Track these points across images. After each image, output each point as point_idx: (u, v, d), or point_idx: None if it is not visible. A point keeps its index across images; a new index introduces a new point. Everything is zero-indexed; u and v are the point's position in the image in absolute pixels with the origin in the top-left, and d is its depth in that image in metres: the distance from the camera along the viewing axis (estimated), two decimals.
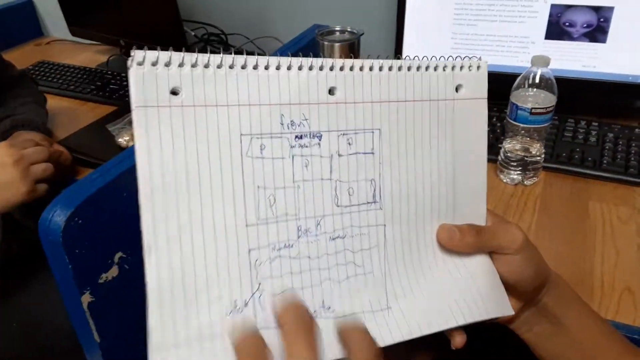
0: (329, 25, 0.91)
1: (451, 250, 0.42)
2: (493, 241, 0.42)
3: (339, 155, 0.38)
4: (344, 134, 0.38)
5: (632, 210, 0.71)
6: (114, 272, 0.58)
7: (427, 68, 0.41)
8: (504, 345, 0.65)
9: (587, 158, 0.80)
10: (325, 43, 0.88)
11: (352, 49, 0.89)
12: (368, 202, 0.39)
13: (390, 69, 0.40)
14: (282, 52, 0.88)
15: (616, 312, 0.55)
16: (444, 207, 0.43)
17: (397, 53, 0.99)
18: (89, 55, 1.41)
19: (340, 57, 0.90)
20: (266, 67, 0.36)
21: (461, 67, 0.42)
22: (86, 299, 0.55)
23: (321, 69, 0.37)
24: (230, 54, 0.35)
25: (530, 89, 0.72)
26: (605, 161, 0.79)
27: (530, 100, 0.72)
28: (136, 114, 0.32)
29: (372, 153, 0.40)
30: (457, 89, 0.42)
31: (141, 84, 0.32)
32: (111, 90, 1.15)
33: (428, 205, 0.42)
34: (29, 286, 0.89)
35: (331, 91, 0.38)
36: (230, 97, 0.35)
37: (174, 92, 0.33)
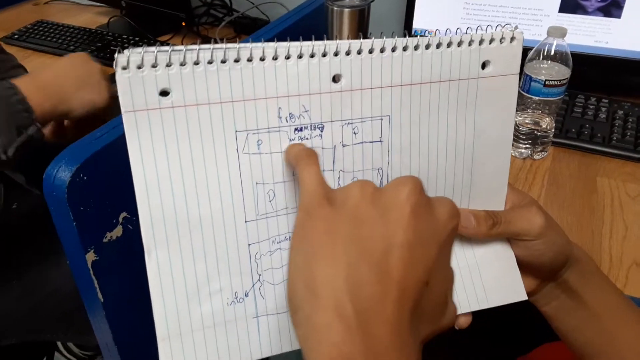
0: None
1: (463, 236, 0.40)
2: (510, 228, 0.39)
3: (343, 145, 0.36)
4: (349, 123, 0.36)
5: None
6: (118, 232, 0.57)
7: (449, 44, 0.36)
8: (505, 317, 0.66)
9: (596, 134, 0.79)
10: (335, 9, 0.86)
11: (361, 16, 0.87)
12: None
13: (405, 49, 0.35)
14: (287, 18, 0.85)
15: (624, 286, 0.55)
16: (459, 190, 0.40)
17: (408, 22, 0.97)
18: (88, 16, 1.38)
19: (349, 24, 0.88)
20: (262, 59, 0.33)
21: (491, 40, 0.37)
22: (90, 257, 0.54)
23: (324, 55, 0.34)
24: (234, 41, 0.32)
25: (544, 61, 0.71)
26: (614, 138, 0.78)
27: (544, 72, 0.70)
28: (126, 119, 0.31)
29: (380, 141, 0.37)
30: (483, 66, 0.38)
31: (128, 88, 0.31)
32: (112, 52, 1.12)
33: (441, 190, 0.40)
34: (31, 247, 0.88)
35: (335, 79, 0.35)
36: (223, 94, 0.33)
37: (164, 93, 0.32)
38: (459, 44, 0.37)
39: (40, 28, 1.24)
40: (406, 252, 0.29)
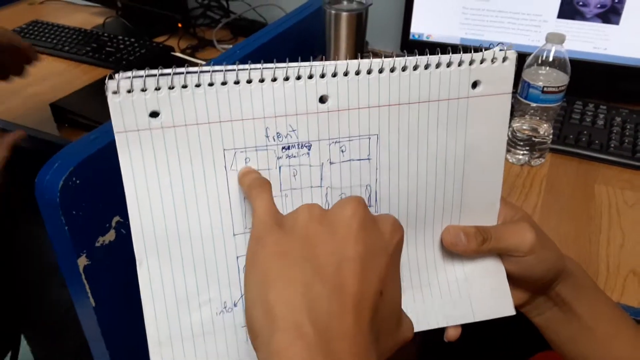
0: None
1: (453, 252, 0.41)
2: (500, 244, 0.40)
3: (331, 163, 0.37)
4: (336, 142, 0.36)
5: (639, 195, 0.70)
6: (110, 236, 0.57)
7: (437, 65, 0.36)
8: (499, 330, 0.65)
9: (594, 141, 0.79)
10: (332, 12, 0.85)
11: (359, 20, 0.86)
12: None
13: (392, 70, 0.35)
14: (284, 21, 0.85)
15: (621, 294, 0.55)
16: (449, 208, 0.40)
17: (405, 26, 0.97)
18: (84, 16, 1.37)
19: (347, 28, 0.88)
20: (248, 82, 0.34)
21: (482, 61, 0.37)
22: (82, 261, 0.53)
23: (311, 77, 0.34)
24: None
25: (542, 67, 0.70)
26: (612, 145, 0.78)
27: (542, 78, 0.70)
28: (118, 139, 0.33)
29: (368, 159, 0.37)
30: (474, 86, 0.37)
31: (119, 111, 0.33)
32: (107, 53, 1.11)
33: (431, 206, 0.40)
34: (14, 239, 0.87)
35: (322, 99, 0.35)
36: (211, 115, 0.34)
37: (154, 115, 0.33)
38: (449, 64, 0.36)
39: (35, 28, 1.23)
40: (358, 264, 0.29)
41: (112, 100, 0.32)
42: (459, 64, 0.36)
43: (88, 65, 1.10)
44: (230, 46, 1.17)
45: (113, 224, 0.57)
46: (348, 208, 0.31)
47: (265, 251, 0.30)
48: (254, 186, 0.34)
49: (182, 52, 1.15)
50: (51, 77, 1.04)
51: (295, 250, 0.30)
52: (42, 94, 0.97)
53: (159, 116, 0.33)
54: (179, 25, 1.19)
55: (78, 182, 0.51)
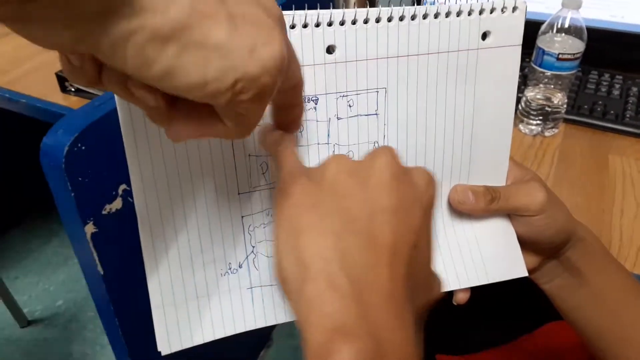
0: None
1: (462, 212, 0.40)
2: (509, 204, 0.39)
3: (338, 118, 0.35)
4: (343, 96, 0.35)
5: None
6: (117, 204, 0.56)
7: (447, 14, 0.35)
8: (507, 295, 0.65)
9: (609, 111, 0.77)
10: None
11: None
12: None
13: (401, 19, 0.34)
14: None
15: (634, 265, 0.54)
16: (458, 165, 0.40)
17: None
18: None
19: None
20: None
21: (492, 10, 0.36)
22: (89, 229, 0.53)
23: (317, 25, 0.33)
24: None
25: (558, 33, 0.68)
26: (627, 115, 0.76)
27: (558, 45, 0.68)
28: (118, 98, 0.32)
29: (376, 114, 0.36)
30: (484, 37, 0.36)
31: None
32: None
33: (439, 163, 0.39)
34: None
35: (330, 50, 0.34)
36: None
37: None
38: (458, 13, 0.35)
39: None
40: (392, 216, 0.27)
41: None
42: (469, 13, 0.36)
43: None
44: None
45: (120, 191, 0.56)
46: (380, 158, 0.29)
47: (292, 202, 0.29)
48: (278, 142, 0.32)
49: None
50: None
51: (325, 202, 0.28)
52: (48, 64, 0.97)
53: None
54: None
55: (83, 148, 0.50)
